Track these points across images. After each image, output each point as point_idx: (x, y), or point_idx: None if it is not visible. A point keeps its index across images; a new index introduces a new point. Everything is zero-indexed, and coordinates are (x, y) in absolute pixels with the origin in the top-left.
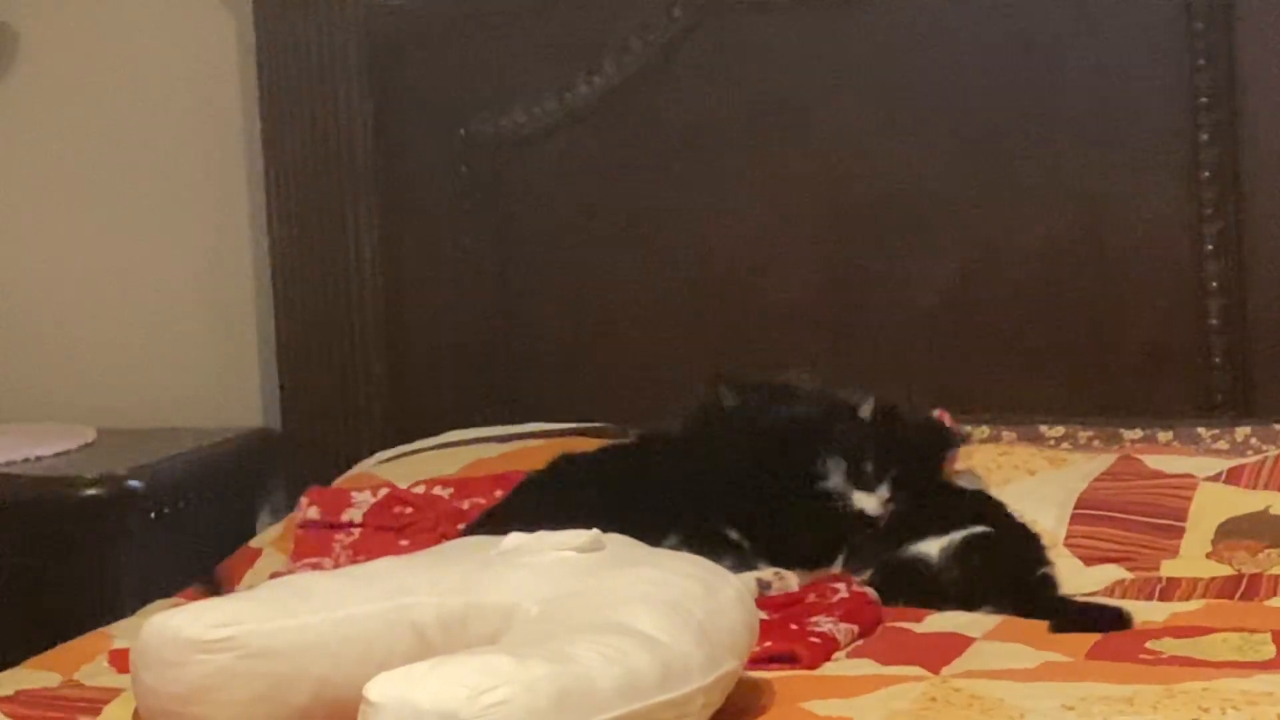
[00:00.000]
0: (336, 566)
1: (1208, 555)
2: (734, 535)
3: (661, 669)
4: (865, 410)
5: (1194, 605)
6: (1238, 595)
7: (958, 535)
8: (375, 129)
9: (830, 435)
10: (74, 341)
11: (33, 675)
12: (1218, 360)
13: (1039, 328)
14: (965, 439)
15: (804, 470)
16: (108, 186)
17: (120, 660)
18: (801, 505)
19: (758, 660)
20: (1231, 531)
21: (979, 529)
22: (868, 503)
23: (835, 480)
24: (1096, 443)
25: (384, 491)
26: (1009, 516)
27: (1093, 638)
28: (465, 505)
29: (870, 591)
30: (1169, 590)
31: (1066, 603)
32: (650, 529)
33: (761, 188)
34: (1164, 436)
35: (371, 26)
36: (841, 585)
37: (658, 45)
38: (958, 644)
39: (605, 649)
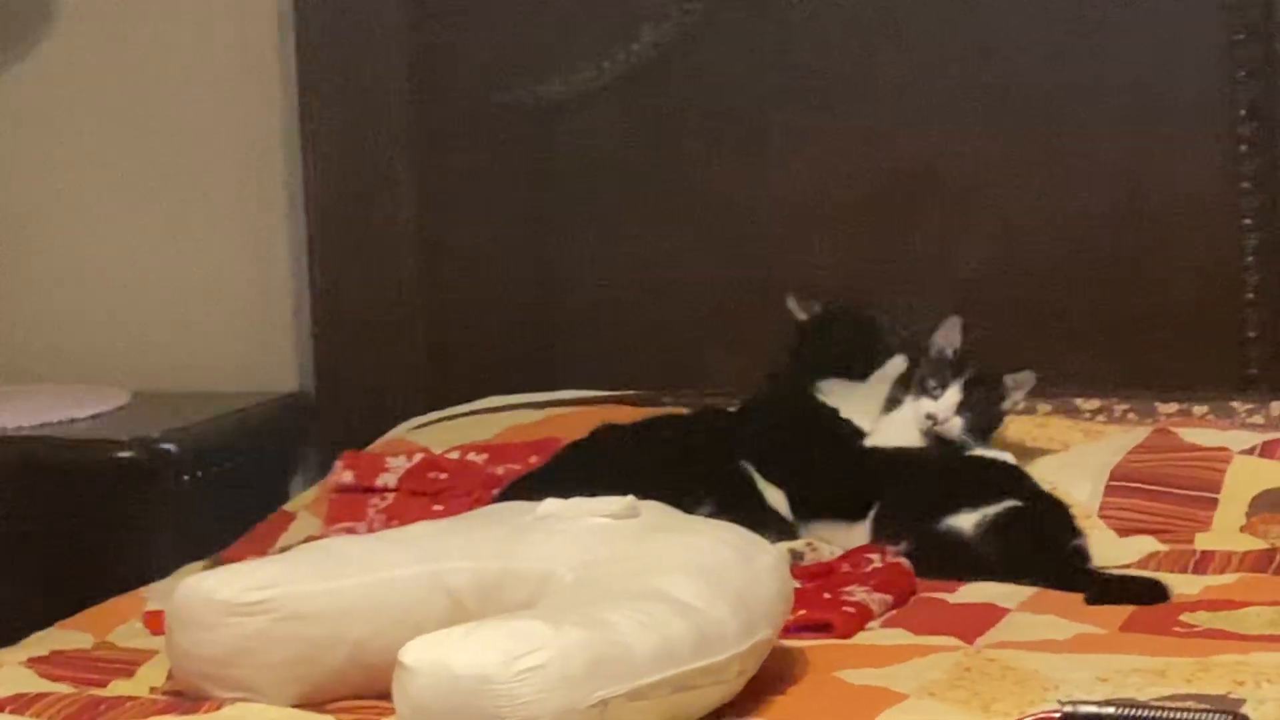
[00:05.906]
0: (370, 531)
1: (1242, 529)
2: (766, 491)
3: (697, 636)
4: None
5: (1228, 579)
6: (1272, 569)
7: (991, 510)
8: (414, 95)
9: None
10: (108, 303)
11: (66, 636)
12: (1253, 335)
13: (1075, 301)
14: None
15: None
16: (143, 148)
17: (154, 622)
18: (831, 446)
19: (792, 629)
20: (1266, 505)
21: (1012, 503)
22: (936, 408)
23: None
24: (1132, 416)
25: (419, 457)
26: (1038, 488)
27: (1127, 610)
28: (500, 471)
29: (905, 562)
30: (1203, 563)
31: (1101, 575)
32: (686, 496)
33: (802, 156)
34: (1199, 410)
35: None
36: (875, 555)
37: (697, 13)
38: (992, 615)
39: (641, 615)
